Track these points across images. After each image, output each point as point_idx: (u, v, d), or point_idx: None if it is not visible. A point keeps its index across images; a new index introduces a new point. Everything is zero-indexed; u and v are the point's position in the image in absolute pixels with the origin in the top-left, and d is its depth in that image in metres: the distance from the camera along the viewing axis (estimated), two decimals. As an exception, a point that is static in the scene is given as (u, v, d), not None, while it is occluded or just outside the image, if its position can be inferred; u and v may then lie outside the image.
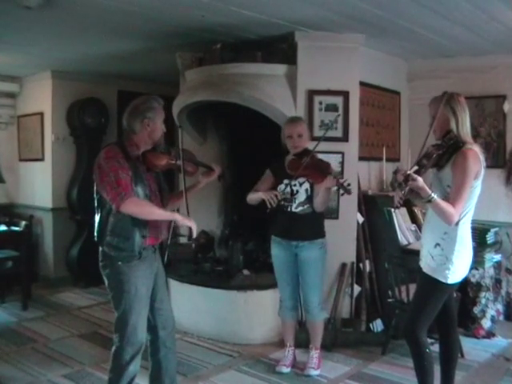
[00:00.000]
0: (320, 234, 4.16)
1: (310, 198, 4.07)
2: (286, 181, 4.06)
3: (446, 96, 3.09)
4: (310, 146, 4.12)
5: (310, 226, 4.10)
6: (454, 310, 3.46)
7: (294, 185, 4.06)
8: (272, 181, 4.20)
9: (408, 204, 5.40)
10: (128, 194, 2.96)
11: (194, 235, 3.19)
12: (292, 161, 4.04)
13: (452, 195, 2.97)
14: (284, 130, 4.14)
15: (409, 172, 2.86)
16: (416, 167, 2.95)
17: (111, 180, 2.96)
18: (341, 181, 3.74)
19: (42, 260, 7.08)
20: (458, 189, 2.95)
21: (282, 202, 4.08)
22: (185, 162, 3.27)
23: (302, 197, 4.08)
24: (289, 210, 4.10)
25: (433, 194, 2.90)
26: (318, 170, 3.90)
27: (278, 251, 4.21)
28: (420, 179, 2.87)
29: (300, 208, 4.08)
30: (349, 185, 3.73)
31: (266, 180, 4.23)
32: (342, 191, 3.73)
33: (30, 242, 6.65)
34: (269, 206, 3.92)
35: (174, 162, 3.26)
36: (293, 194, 4.08)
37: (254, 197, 4.12)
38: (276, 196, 3.93)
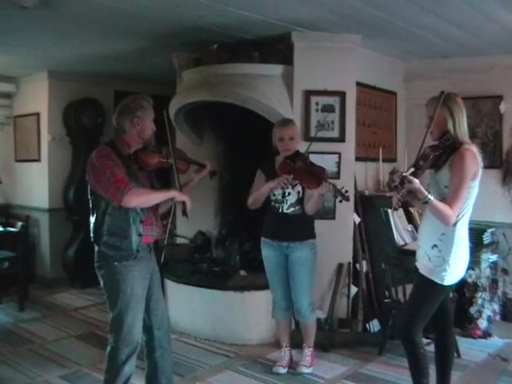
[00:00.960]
0: (310, 234, 4.16)
1: (300, 200, 4.07)
2: None
3: (443, 96, 3.09)
4: (303, 147, 4.12)
5: (300, 227, 4.10)
6: (451, 310, 3.46)
7: (287, 187, 4.05)
8: (264, 180, 4.16)
9: (405, 204, 5.41)
10: (127, 187, 2.96)
11: (188, 208, 3.21)
12: (284, 164, 4.00)
13: (449, 196, 2.97)
14: (275, 132, 4.11)
15: (405, 174, 2.86)
16: (413, 169, 2.95)
17: (108, 177, 2.97)
18: (338, 187, 3.70)
19: (38, 261, 7.07)
20: (456, 190, 2.95)
21: (273, 203, 4.10)
22: (176, 160, 3.29)
23: (293, 198, 4.08)
24: (280, 210, 4.10)
25: (429, 196, 2.91)
26: (311, 176, 3.86)
27: (268, 252, 4.21)
28: (416, 181, 2.87)
29: (291, 209, 4.08)
30: (346, 191, 3.70)
31: (259, 180, 4.20)
32: (339, 198, 3.69)
33: (27, 242, 6.61)
34: (281, 189, 3.97)
35: (165, 160, 3.27)
36: (284, 195, 4.08)
37: (259, 193, 4.08)
38: (287, 179, 3.91)
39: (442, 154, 3.04)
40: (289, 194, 4.07)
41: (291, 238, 4.08)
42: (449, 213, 2.92)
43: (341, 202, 3.73)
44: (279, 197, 4.08)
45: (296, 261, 4.10)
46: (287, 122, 4.16)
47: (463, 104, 3.12)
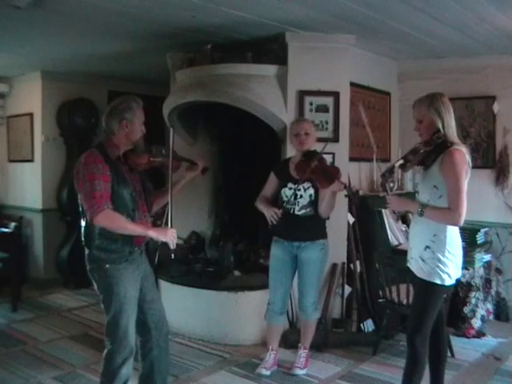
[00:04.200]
0: (321, 234, 4.17)
1: (312, 203, 4.08)
2: (290, 184, 4.09)
3: (428, 98, 3.11)
4: (318, 147, 4.12)
5: (311, 227, 4.11)
6: (443, 309, 3.46)
7: (299, 189, 4.05)
8: (276, 182, 4.22)
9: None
10: (101, 206, 2.92)
11: (172, 247, 3.11)
12: (300, 163, 4.00)
13: (452, 199, 2.96)
14: (291, 128, 4.18)
15: (396, 165, 2.85)
16: (402, 161, 2.95)
17: (87, 190, 2.94)
18: (349, 187, 3.69)
19: (31, 261, 7.04)
20: (456, 191, 2.95)
21: (285, 205, 4.10)
22: (167, 159, 3.25)
23: (304, 201, 4.08)
24: (291, 212, 4.11)
25: (421, 208, 2.92)
26: (325, 175, 3.85)
27: (277, 251, 4.21)
28: (398, 201, 2.91)
29: (302, 211, 4.09)
30: (357, 191, 3.72)
31: (270, 183, 4.25)
32: (349, 193, 3.67)
33: (20, 243, 6.60)
34: (270, 223, 4.00)
35: (155, 159, 3.24)
36: (296, 197, 4.08)
37: (259, 207, 4.17)
38: (276, 214, 3.97)
39: (432, 151, 3.05)
40: (301, 196, 4.07)
41: (302, 238, 4.10)
42: (453, 215, 2.94)
43: (350, 201, 3.71)
44: (291, 199, 4.09)
45: (305, 260, 4.11)
46: (303, 118, 4.24)
47: (450, 103, 3.13)
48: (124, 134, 3.11)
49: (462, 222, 2.98)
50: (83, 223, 3.12)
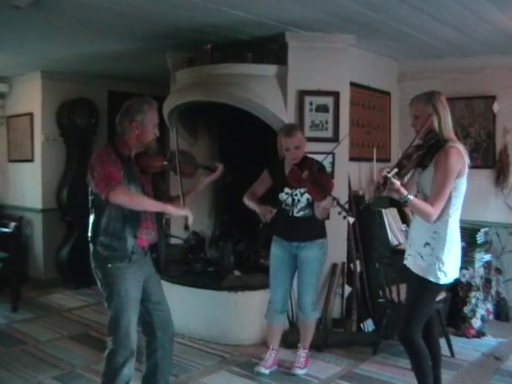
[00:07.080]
0: (321, 234, 4.18)
1: (310, 204, 4.08)
2: (287, 189, 4.09)
3: (426, 95, 3.12)
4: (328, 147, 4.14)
5: (310, 227, 4.12)
6: (434, 313, 3.46)
7: (295, 194, 4.08)
8: (269, 182, 4.22)
9: (398, 204, 5.42)
10: (117, 183, 2.94)
11: (190, 223, 3.12)
12: (292, 172, 3.98)
13: (432, 193, 2.99)
14: (280, 141, 4.08)
15: (388, 175, 2.86)
16: (396, 169, 2.94)
17: (101, 173, 2.96)
18: (341, 202, 3.64)
19: (31, 261, 7.04)
20: (439, 187, 2.97)
21: (284, 207, 4.11)
22: (181, 164, 3.23)
23: (303, 203, 4.10)
24: (290, 214, 4.12)
25: (409, 196, 2.92)
26: (318, 187, 3.80)
27: (277, 250, 4.22)
28: (397, 183, 2.87)
29: (301, 213, 4.11)
30: (350, 208, 3.67)
31: (263, 181, 4.25)
32: (343, 214, 3.60)
33: (20, 243, 6.60)
34: (263, 220, 4.01)
35: (168, 163, 3.24)
36: (294, 201, 4.09)
37: (249, 204, 4.16)
38: (271, 212, 3.97)
39: (427, 152, 3.05)
40: (298, 200, 4.09)
41: (301, 239, 4.11)
42: (430, 210, 2.94)
43: (345, 218, 3.67)
44: (289, 201, 4.10)
45: (304, 259, 4.12)
46: (291, 131, 4.04)
47: (446, 101, 3.14)
48: (134, 135, 3.11)
49: (432, 220, 2.99)
50: (92, 219, 3.13)
